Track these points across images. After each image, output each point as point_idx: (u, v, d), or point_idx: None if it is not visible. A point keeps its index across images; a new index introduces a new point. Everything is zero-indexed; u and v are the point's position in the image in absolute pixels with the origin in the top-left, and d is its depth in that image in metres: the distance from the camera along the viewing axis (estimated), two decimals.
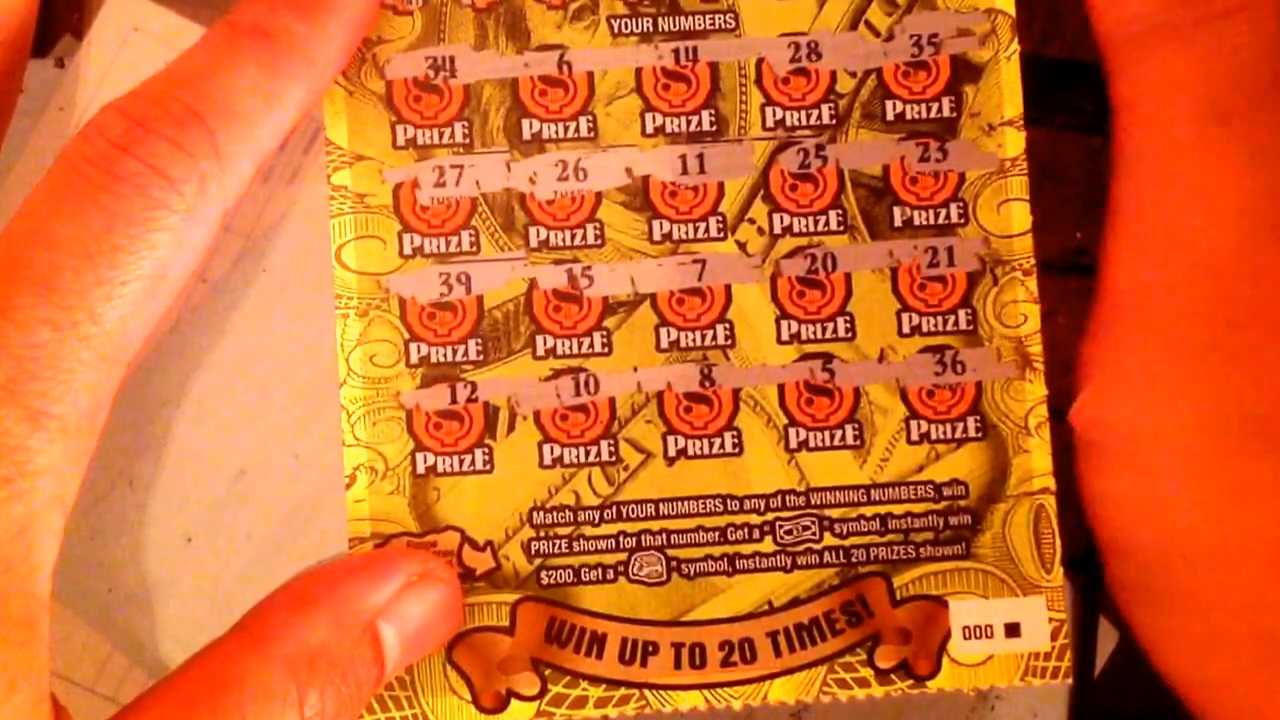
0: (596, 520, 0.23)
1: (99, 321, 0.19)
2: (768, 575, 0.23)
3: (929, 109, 0.23)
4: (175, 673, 0.21)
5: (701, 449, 0.23)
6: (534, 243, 0.23)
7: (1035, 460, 0.23)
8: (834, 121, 0.23)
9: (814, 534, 0.23)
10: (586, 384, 0.23)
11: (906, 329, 0.23)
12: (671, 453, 0.23)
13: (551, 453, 0.23)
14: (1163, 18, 0.22)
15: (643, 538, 0.23)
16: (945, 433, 0.23)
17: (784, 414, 0.23)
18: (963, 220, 0.23)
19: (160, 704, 0.20)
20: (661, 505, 0.23)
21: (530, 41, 0.23)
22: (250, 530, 0.26)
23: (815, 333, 0.23)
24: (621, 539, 0.23)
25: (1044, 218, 0.23)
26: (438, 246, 0.23)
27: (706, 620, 0.23)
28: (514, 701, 0.23)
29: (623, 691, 0.23)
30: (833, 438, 0.23)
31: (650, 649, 0.23)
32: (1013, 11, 0.23)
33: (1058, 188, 0.27)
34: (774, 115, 0.23)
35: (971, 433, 0.23)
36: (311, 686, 0.20)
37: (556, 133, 0.23)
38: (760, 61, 0.23)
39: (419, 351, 0.23)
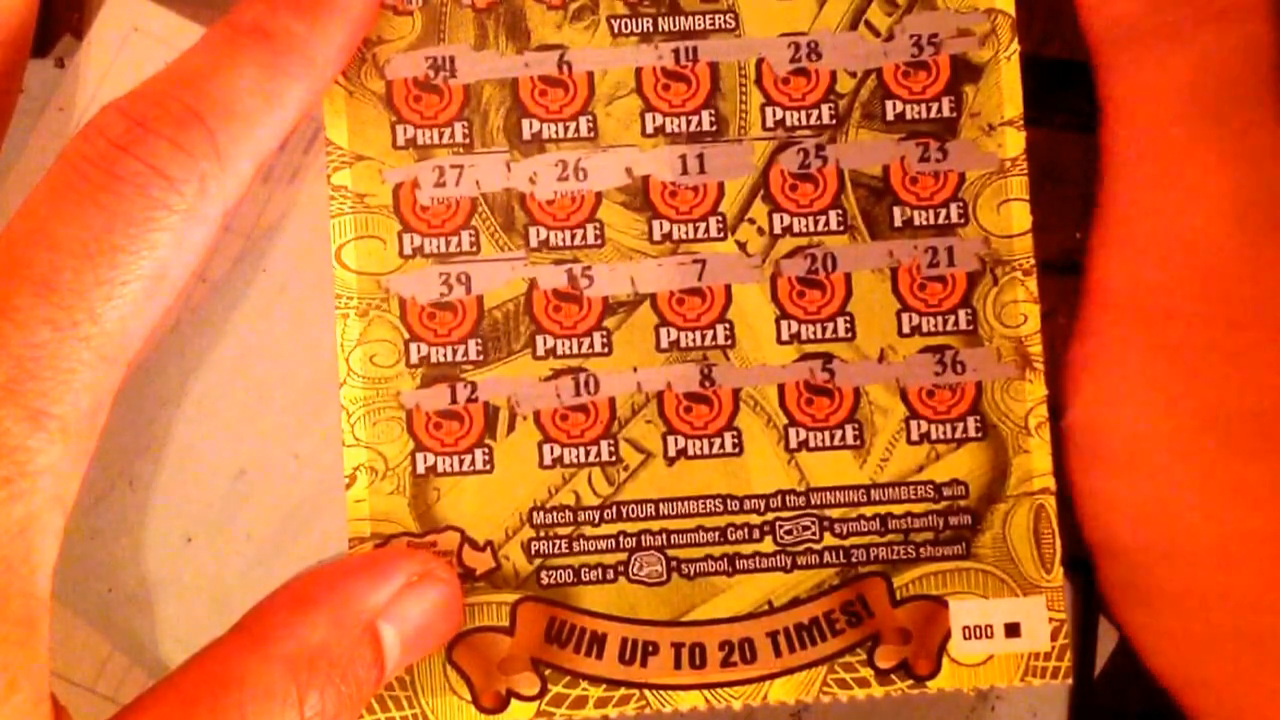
0: (596, 520, 0.23)
1: (99, 321, 0.19)
2: (768, 575, 0.23)
3: (929, 109, 0.23)
4: (175, 673, 0.21)
5: (701, 449, 0.23)
6: (534, 243, 0.23)
7: (1035, 460, 0.23)
8: (834, 121, 0.23)
9: (814, 534, 0.23)
10: (586, 384, 0.23)
11: (906, 329, 0.23)
12: (671, 453, 0.23)
13: (551, 453, 0.23)
14: (1154, 18, 0.22)
15: (643, 538, 0.23)
16: (945, 433, 0.23)
17: (784, 414, 0.23)
18: (963, 220, 0.23)
19: (160, 704, 0.20)
20: (661, 505, 0.23)
21: (530, 41, 0.23)
22: (250, 530, 0.26)
23: (815, 333, 0.23)
24: (621, 539, 0.23)
25: (1044, 218, 0.23)
26: (438, 246, 0.23)
27: (706, 620, 0.23)
28: (514, 701, 0.23)
29: (623, 691, 0.23)
30: (833, 438, 0.23)
31: (650, 649, 0.23)
32: (1013, 11, 0.23)
33: (1058, 188, 0.27)
34: (774, 115, 0.23)
35: (971, 433, 0.23)
36: (311, 686, 0.20)
37: (556, 133, 0.23)
38: (760, 61, 0.23)
39: (419, 351, 0.23)
